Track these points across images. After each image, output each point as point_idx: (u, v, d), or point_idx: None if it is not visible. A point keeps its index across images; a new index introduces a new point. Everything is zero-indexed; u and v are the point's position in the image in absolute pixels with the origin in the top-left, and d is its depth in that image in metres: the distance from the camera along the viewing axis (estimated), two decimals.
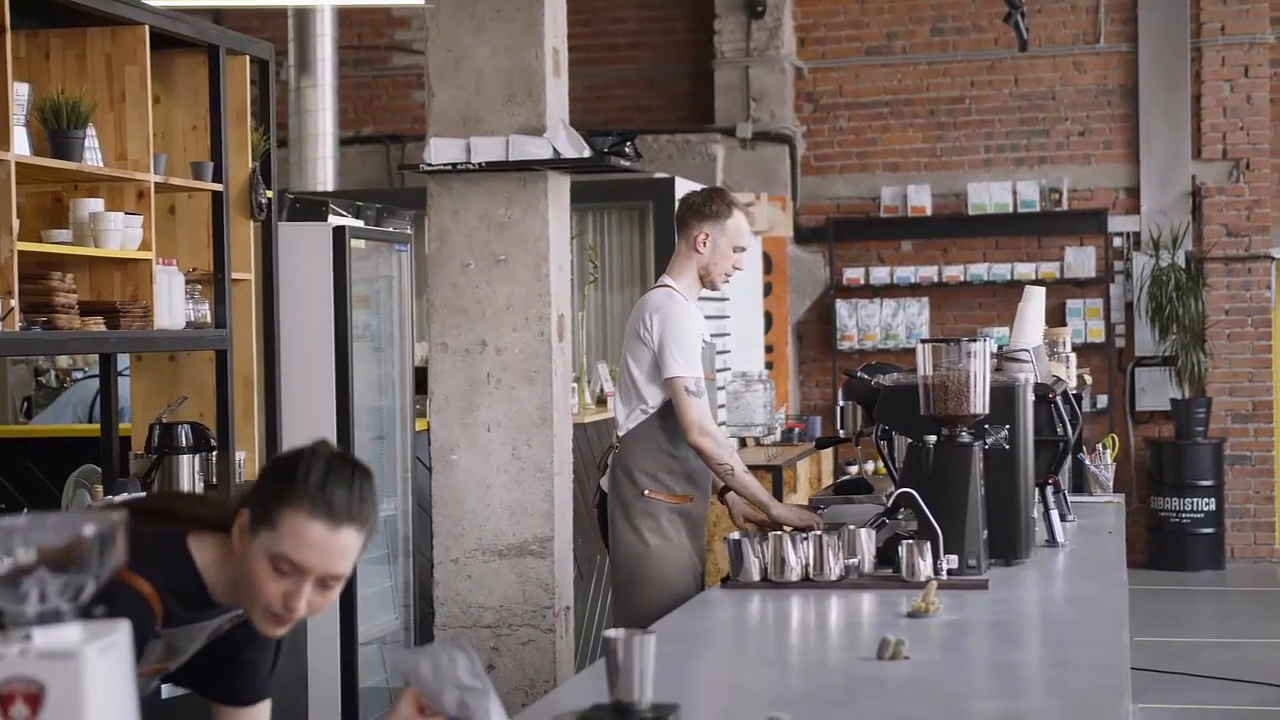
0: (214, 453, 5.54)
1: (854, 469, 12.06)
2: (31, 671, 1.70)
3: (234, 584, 2.66)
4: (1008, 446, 4.49)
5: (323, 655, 6.18)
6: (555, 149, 5.74)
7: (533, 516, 5.75)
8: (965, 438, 4.38)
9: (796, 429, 10.79)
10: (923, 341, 4.44)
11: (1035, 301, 5.49)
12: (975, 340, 4.39)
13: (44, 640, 1.73)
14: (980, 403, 4.37)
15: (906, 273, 12.79)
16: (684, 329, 5.12)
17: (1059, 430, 4.99)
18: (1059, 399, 5.03)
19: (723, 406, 9.70)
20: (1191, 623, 10.68)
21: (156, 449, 5.39)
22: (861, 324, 12.87)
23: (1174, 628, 10.30)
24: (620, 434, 5.28)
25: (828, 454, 11.02)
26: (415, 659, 2.50)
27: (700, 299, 5.56)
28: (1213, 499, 12.20)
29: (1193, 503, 12.18)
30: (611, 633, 2.72)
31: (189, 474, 5.39)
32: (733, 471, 5.09)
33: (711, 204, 5.29)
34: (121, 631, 1.77)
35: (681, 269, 5.31)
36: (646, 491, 5.18)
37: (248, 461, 5.83)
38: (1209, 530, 12.22)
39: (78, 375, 8.36)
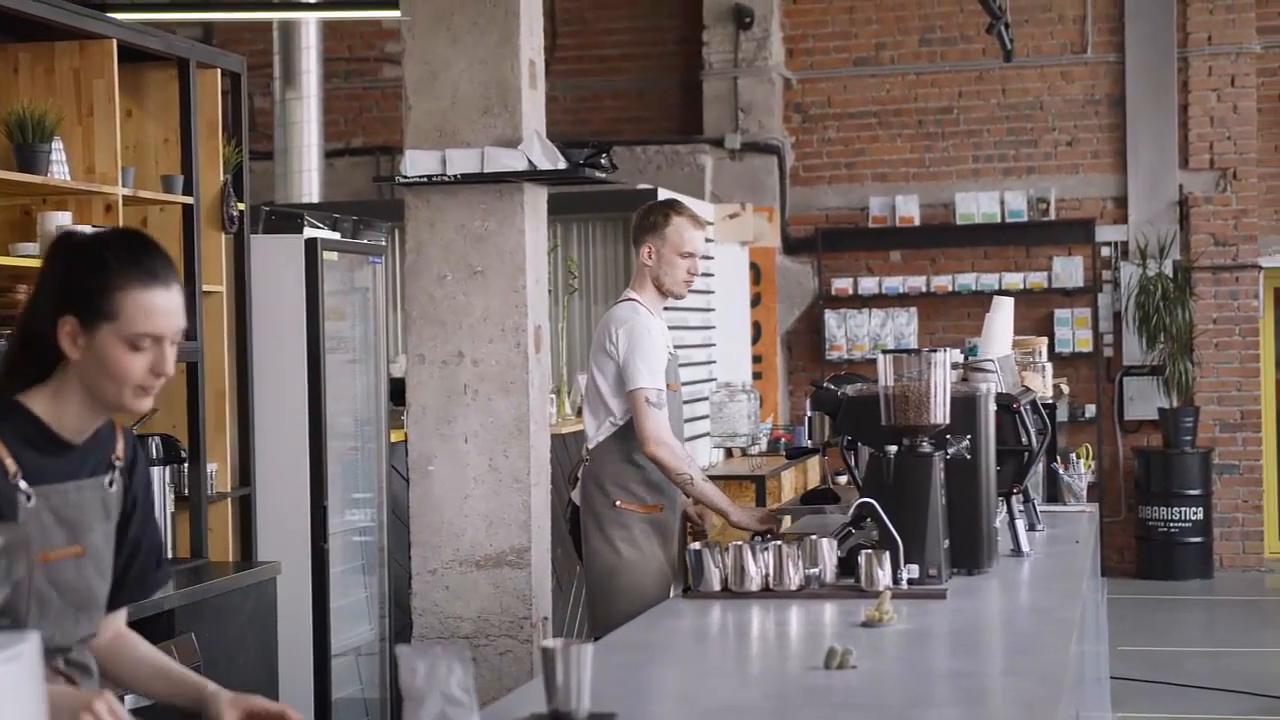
0: (185, 465, 5.56)
1: (843, 479, 12.05)
2: None
3: (82, 403, 2.70)
4: (969, 456, 4.50)
5: (295, 665, 6.19)
6: (530, 161, 5.75)
7: (510, 527, 5.76)
8: (926, 448, 4.39)
9: (783, 439, 10.79)
10: (884, 352, 4.45)
11: (1003, 312, 5.51)
12: (936, 351, 4.40)
13: None
14: (941, 413, 4.37)
15: (895, 283, 12.81)
16: (648, 342, 5.20)
17: (1023, 440, 4.99)
18: (1025, 409, 5.03)
19: (704, 418, 9.72)
20: (1179, 632, 10.68)
21: None
22: (850, 334, 12.88)
23: (1161, 637, 10.31)
24: (589, 446, 5.36)
25: (814, 464, 11.02)
26: (414, 656, 2.54)
27: (680, 309, 5.60)
28: (1201, 508, 12.20)
29: (1181, 512, 12.18)
30: (548, 643, 2.74)
31: (160, 486, 5.40)
32: (691, 481, 5.15)
33: (649, 216, 5.39)
34: (30, 642, 1.79)
35: (640, 282, 5.41)
36: (618, 503, 5.23)
37: (219, 474, 5.85)
38: (1197, 539, 12.22)
39: None
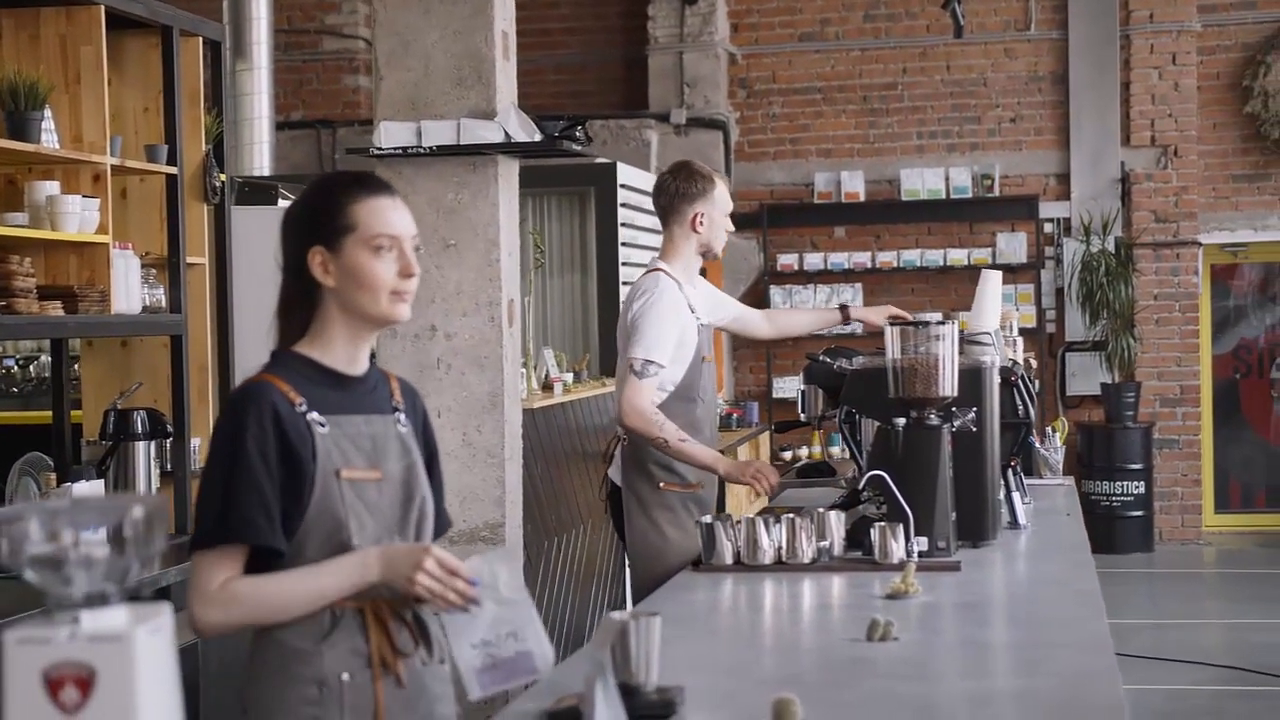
0: (169, 439, 5.47)
1: (792, 452, 12.10)
2: (81, 655, 1.67)
3: (345, 330, 2.84)
4: (975, 429, 4.50)
5: None
6: (506, 133, 5.71)
7: (483, 502, 5.74)
8: (934, 420, 4.39)
9: (735, 415, 10.81)
10: (891, 323, 4.44)
11: (993, 285, 5.52)
12: (944, 323, 4.41)
13: (92, 623, 1.70)
14: (949, 385, 4.38)
15: (840, 259, 12.84)
16: (659, 314, 5.07)
17: (1021, 412, 5.02)
18: (1020, 381, 5.06)
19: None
20: (1122, 604, 10.78)
21: (111, 435, 5.31)
22: None
23: (1105, 609, 10.41)
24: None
25: (765, 439, 11.06)
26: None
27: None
28: (1142, 482, 12.34)
29: (1122, 486, 12.32)
30: (618, 615, 2.71)
31: (144, 461, 5.32)
32: (666, 444, 5.01)
33: (696, 183, 5.29)
34: (165, 615, 1.75)
35: (676, 251, 5.28)
36: (662, 484, 5.13)
37: (203, 448, 5.76)
38: (1138, 513, 12.37)
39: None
